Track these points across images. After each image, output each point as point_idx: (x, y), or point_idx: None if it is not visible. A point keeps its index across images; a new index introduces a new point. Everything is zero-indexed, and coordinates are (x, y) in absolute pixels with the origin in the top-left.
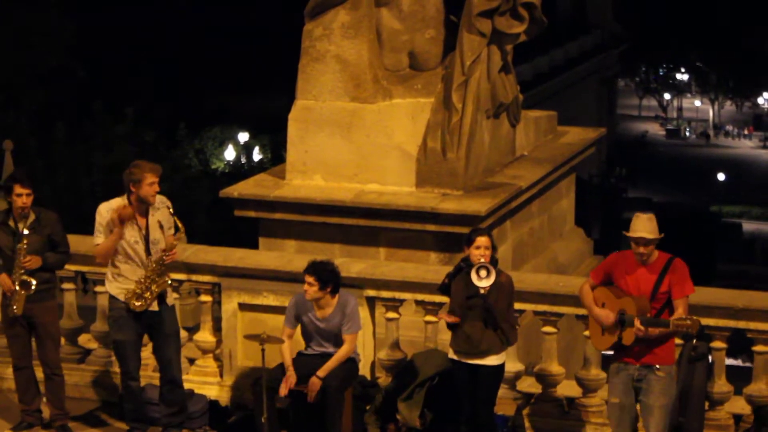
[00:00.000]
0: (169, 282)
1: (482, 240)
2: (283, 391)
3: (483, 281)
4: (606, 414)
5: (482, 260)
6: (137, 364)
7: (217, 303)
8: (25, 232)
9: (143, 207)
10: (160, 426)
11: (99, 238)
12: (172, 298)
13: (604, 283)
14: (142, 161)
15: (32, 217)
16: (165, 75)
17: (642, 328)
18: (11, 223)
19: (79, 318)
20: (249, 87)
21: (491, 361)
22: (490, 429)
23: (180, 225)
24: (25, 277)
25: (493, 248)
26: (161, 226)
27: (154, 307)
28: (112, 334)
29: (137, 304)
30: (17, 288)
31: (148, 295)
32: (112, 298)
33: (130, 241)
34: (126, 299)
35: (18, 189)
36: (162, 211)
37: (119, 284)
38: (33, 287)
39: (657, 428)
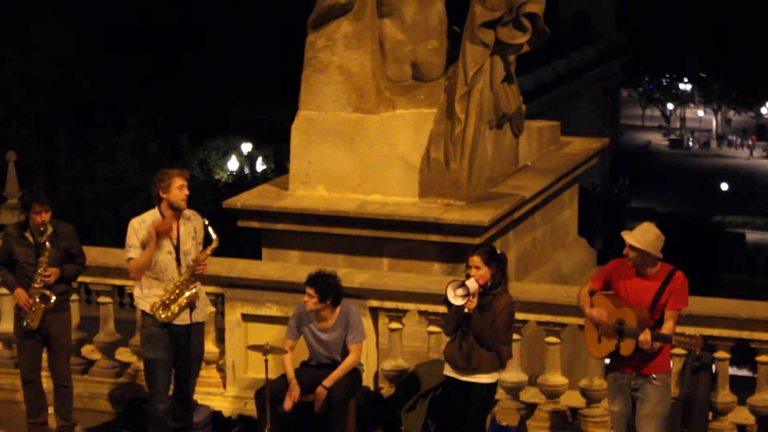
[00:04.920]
0: (196, 292)
1: (472, 260)
2: (288, 405)
3: (456, 299)
4: (609, 424)
5: (472, 278)
6: (167, 384)
7: (220, 314)
8: (47, 245)
9: (175, 215)
10: None
11: (132, 252)
12: (204, 312)
13: (604, 288)
14: (168, 168)
15: (50, 230)
16: (168, 85)
17: (649, 340)
18: (28, 235)
19: (83, 329)
20: (252, 97)
21: (481, 378)
22: None
23: (214, 235)
24: (45, 291)
25: (495, 267)
26: (194, 237)
27: (184, 320)
28: (144, 352)
29: (163, 315)
30: (37, 301)
31: (174, 307)
32: (144, 314)
33: (162, 252)
34: (152, 310)
35: (37, 207)
36: (194, 222)
37: (150, 299)
38: (52, 301)
39: None
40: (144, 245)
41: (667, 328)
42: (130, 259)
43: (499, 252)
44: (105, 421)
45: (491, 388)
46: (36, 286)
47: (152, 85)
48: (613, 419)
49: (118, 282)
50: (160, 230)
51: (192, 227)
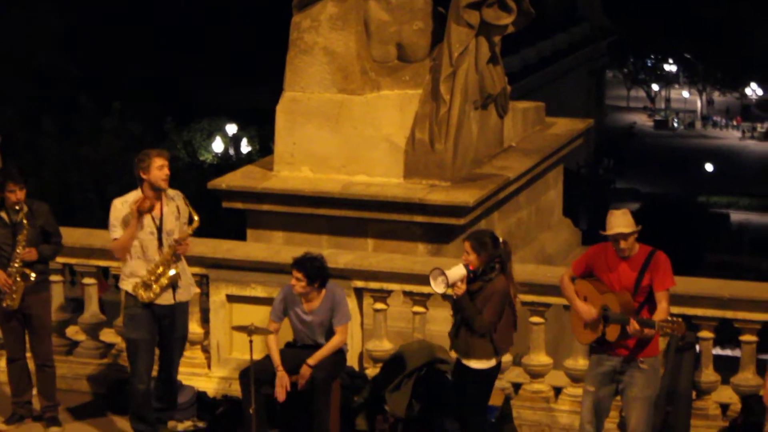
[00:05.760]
0: (178, 272)
1: (464, 245)
2: (281, 396)
3: (438, 287)
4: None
5: (460, 264)
6: (149, 365)
7: (205, 294)
8: (24, 223)
9: (157, 195)
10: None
11: (115, 233)
12: (189, 292)
13: (584, 275)
14: (149, 149)
15: (25, 209)
16: (153, 68)
17: (639, 328)
18: (4, 215)
19: (67, 310)
20: (237, 79)
21: (473, 364)
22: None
23: (195, 216)
24: (24, 270)
25: (486, 254)
26: (177, 217)
27: (167, 300)
28: (126, 332)
29: (145, 295)
30: (17, 280)
31: (156, 287)
32: (127, 295)
33: (144, 232)
34: (134, 290)
35: (11, 186)
36: (177, 201)
37: (133, 280)
38: (33, 278)
39: (638, 421)
40: (127, 225)
41: (661, 309)
42: (114, 239)
43: (497, 238)
44: (89, 401)
45: (485, 374)
46: (15, 265)
47: (138, 68)
48: (585, 398)
49: (102, 263)
50: (142, 208)
51: (175, 207)
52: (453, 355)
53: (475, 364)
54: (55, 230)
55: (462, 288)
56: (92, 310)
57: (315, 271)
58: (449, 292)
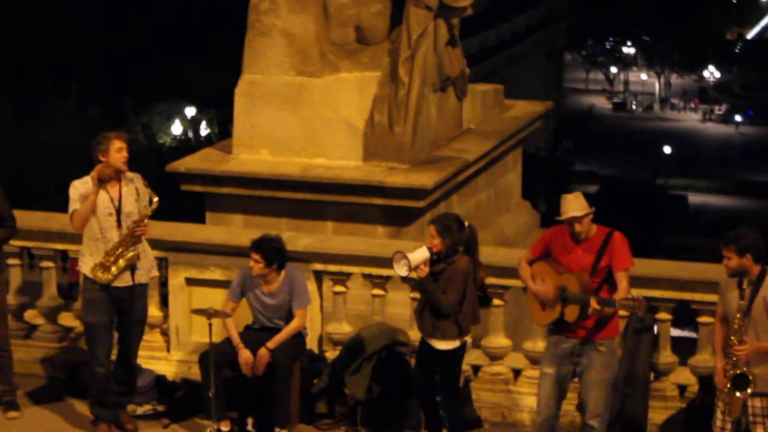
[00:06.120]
0: (137, 254)
1: (429, 228)
2: (248, 371)
3: (400, 269)
4: None
5: (423, 247)
6: (107, 348)
7: (164, 278)
8: None
9: (116, 177)
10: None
11: (74, 206)
12: (148, 274)
13: (543, 257)
14: (107, 132)
15: None
16: (110, 50)
17: (599, 307)
18: None
19: (25, 294)
20: (196, 61)
21: (439, 344)
22: (449, 411)
23: (154, 197)
24: None
25: (450, 238)
26: (136, 199)
27: (125, 281)
28: (84, 316)
29: (102, 277)
30: None
31: (114, 269)
32: (85, 278)
33: (103, 213)
34: (92, 273)
35: None
36: (137, 183)
37: (91, 262)
38: None
39: (597, 403)
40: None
41: (622, 288)
42: (74, 211)
43: (462, 222)
44: (47, 385)
45: (450, 354)
46: None
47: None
48: (543, 381)
49: (60, 246)
50: (102, 175)
51: (134, 188)
52: (413, 337)
53: (440, 344)
54: (8, 214)
55: (425, 270)
56: (50, 293)
57: (273, 252)
58: (412, 275)
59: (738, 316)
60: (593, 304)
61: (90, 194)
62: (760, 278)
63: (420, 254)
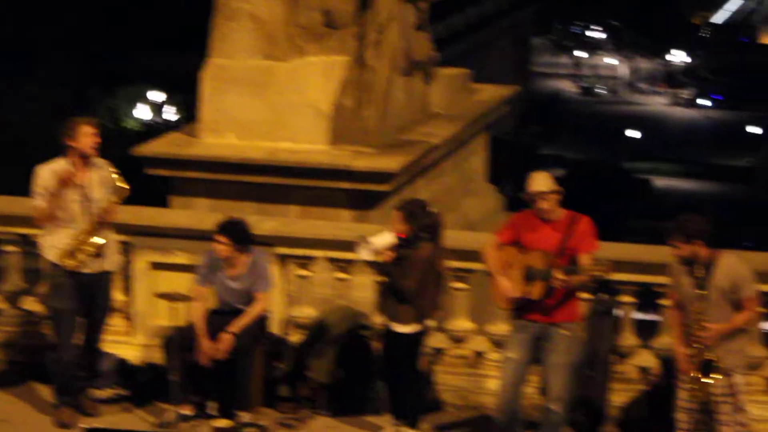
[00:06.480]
0: (104, 241)
1: (393, 214)
2: (204, 360)
3: (363, 254)
4: None
5: (388, 232)
6: (72, 334)
7: (128, 262)
8: None
9: (84, 163)
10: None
11: (39, 200)
12: (113, 262)
13: (510, 242)
14: (76, 117)
15: None
16: (76, 33)
17: (564, 277)
18: None
19: None
20: (162, 45)
21: (399, 328)
22: (410, 394)
23: (124, 185)
24: None
25: (415, 224)
26: (103, 186)
27: (92, 268)
28: (50, 302)
29: (69, 262)
30: None
31: (81, 255)
32: (51, 264)
33: (69, 200)
34: (59, 259)
35: None
36: (104, 170)
37: (57, 248)
38: None
39: (559, 386)
40: (51, 193)
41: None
42: (38, 207)
43: (426, 209)
44: (10, 370)
45: (409, 338)
46: None
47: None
48: (506, 366)
49: (24, 231)
50: (65, 179)
51: (101, 175)
52: (377, 320)
53: (400, 328)
54: None
55: (388, 255)
56: (13, 278)
57: (239, 234)
58: (377, 259)
59: (696, 303)
60: (558, 275)
61: (54, 196)
62: (712, 262)
63: (384, 239)
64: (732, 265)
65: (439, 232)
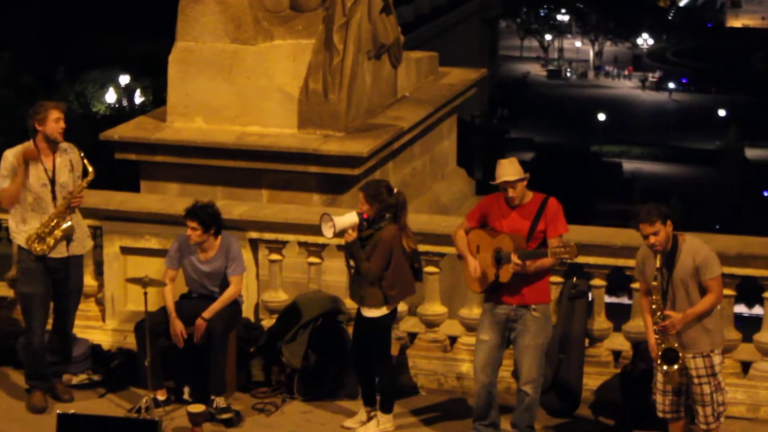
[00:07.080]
0: (72, 225)
1: (359, 195)
2: (180, 342)
3: (327, 231)
4: None
5: (353, 212)
6: (44, 319)
7: (99, 247)
8: None
9: (51, 147)
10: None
11: (4, 183)
12: (83, 245)
13: (479, 226)
14: (45, 101)
15: None
16: (43, 17)
17: (519, 262)
18: None
19: None
20: (129, 29)
21: (366, 312)
22: (383, 378)
23: (90, 168)
24: None
25: (378, 204)
26: (71, 169)
27: (61, 252)
28: (20, 286)
29: (38, 248)
30: None
31: (50, 240)
32: (20, 248)
33: (37, 184)
34: (28, 243)
35: None
36: (71, 154)
37: (26, 233)
38: None
39: (530, 368)
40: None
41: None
42: (4, 188)
43: (391, 188)
44: None
45: (377, 321)
46: None
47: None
48: (479, 348)
49: None
50: (28, 156)
51: (68, 159)
52: (349, 305)
53: (367, 312)
54: None
55: (353, 235)
56: None
57: (209, 218)
58: (341, 239)
59: (655, 292)
60: (514, 259)
61: (18, 174)
62: (676, 246)
63: (348, 219)
64: (696, 248)
65: (403, 213)
